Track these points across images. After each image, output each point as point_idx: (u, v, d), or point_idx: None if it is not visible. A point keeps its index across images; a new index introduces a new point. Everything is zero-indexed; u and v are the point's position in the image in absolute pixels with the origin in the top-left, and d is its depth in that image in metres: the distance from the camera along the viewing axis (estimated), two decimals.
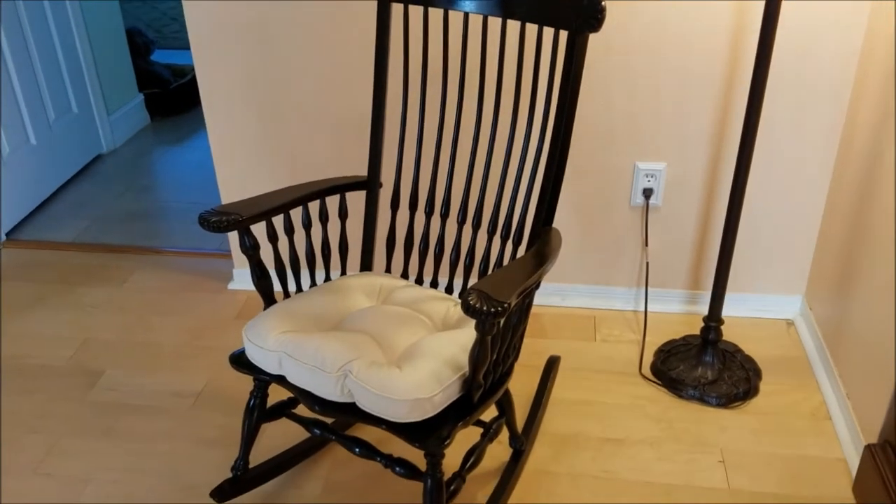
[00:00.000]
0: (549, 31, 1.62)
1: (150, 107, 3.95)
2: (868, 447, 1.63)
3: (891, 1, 1.74)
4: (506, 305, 1.20)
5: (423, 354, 1.40)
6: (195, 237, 2.84)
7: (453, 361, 1.39)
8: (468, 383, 1.39)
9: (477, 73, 1.85)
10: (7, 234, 2.83)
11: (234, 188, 2.33)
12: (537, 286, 1.43)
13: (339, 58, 2.09)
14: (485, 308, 1.19)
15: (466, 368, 1.39)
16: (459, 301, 1.66)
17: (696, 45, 1.95)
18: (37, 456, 1.87)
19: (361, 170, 2.23)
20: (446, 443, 1.36)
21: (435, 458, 1.40)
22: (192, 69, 4.17)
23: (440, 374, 1.36)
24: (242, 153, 2.27)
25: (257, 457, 1.75)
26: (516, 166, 1.57)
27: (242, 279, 2.49)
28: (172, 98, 4.02)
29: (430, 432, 1.35)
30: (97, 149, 3.48)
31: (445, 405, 1.38)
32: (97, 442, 1.91)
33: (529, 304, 1.48)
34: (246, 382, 2.07)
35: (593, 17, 1.36)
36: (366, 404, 1.36)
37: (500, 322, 1.31)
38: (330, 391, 1.38)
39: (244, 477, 1.68)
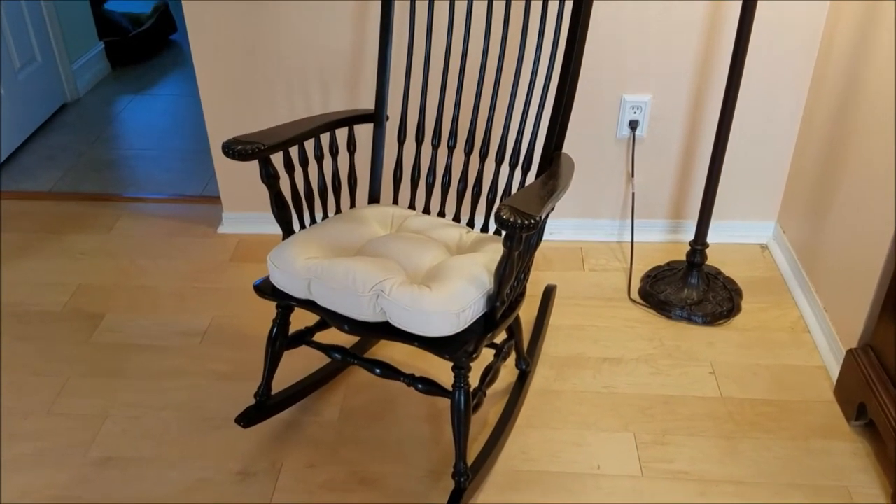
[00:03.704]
0: None
1: (110, 56, 3.85)
2: (850, 351, 1.77)
3: None
4: (537, 218, 1.27)
5: (448, 274, 1.47)
6: (176, 183, 2.82)
7: (477, 280, 1.46)
8: (492, 300, 1.46)
9: (484, 3, 1.89)
10: None
11: (223, 132, 2.33)
12: (552, 209, 1.50)
13: None
14: (518, 221, 1.26)
15: (489, 286, 1.46)
16: (470, 228, 1.73)
17: None
18: (48, 397, 1.88)
19: (350, 106, 2.27)
20: (474, 356, 1.43)
21: (463, 371, 1.48)
22: (149, 17, 4.10)
23: (467, 291, 1.43)
24: (230, 94, 2.26)
25: (274, 386, 1.79)
26: (524, 93, 1.62)
27: (233, 223, 2.50)
28: (132, 46, 3.92)
29: (458, 346, 1.43)
30: (61, 98, 3.39)
31: (471, 321, 1.45)
32: (108, 380, 1.92)
33: (542, 229, 1.55)
34: (252, 318, 2.12)
35: None
36: (399, 321, 1.42)
37: (530, 235, 1.38)
38: (362, 311, 1.44)
39: (267, 403, 1.73)
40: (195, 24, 2.15)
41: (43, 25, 3.21)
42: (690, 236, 2.15)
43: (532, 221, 1.26)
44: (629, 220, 2.40)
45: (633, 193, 2.35)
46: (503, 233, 1.32)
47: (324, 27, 2.14)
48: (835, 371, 1.88)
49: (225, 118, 2.30)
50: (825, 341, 1.97)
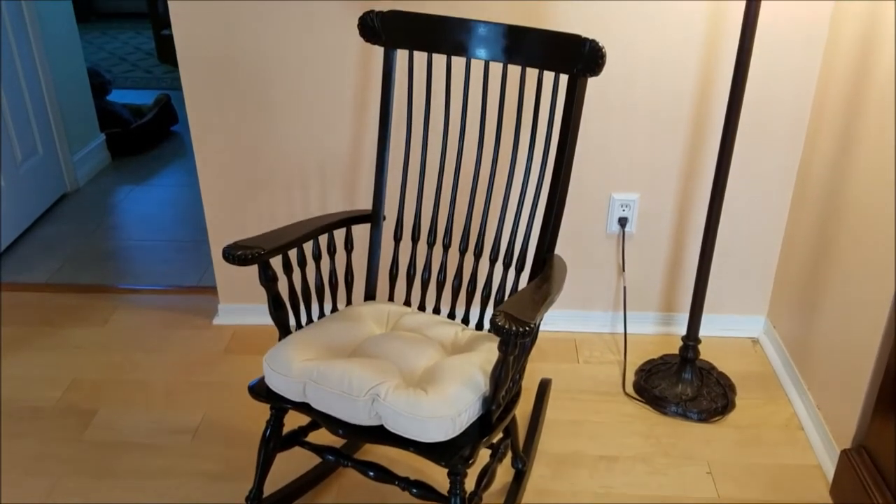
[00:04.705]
0: (548, 74, 1.72)
1: (111, 146, 3.93)
2: (844, 452, 1.77)
3: (842, 55, 1.94)
4: (532, 325, 1.29)
5: (443, 377, 1.48)
6: (173, 274, 2.84)
7: (472, 382, 1.47)
8: (488, 402, 1.46)
9: (478, 112, 1.96)
10: None
11: (222, 226, 2.37)
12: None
13: (327, 96, 2.17)
14: (513, 328, 1.28)
15: (485, 388, 1.47)
16: (465, 326, 1.75)
17: (664, 86, 2.10)
18: (38, 498, 1.85)
19: (346, 207, 2.32)
20: (470, 461, 1.43)
21: (459, 477, 1.47)
22: (151, 109, 4.21)
23: (463, 394, 1.44)
24: (230, 187, 2.31)
25: (264, 488, 1.77)
26: (517, 199, 1.67)
27: (228, 314, 2.51)
28: (133, 138, 4.01)
29: (454, 452, 1.42)
30: (61, 189, 3.44)
31: (467, 425, 1.45)
32: (99, 481, 1.90)
33: (537, 332, 1.57)
34: (244, 414, 2.11)
35: (594, 62, 1.48)
36: (394, 426, 1.42)
37: (525, 341, 1.39)
38: (358, 415, 1.44)
39: None
40: (197, 122, 2.22)
41: (45, 118, 3.28)
42: (682, 328, 2.17)
43: (527, 328, 1.28)
44: (622, 312, 2.43)
45: (625, 287, 2.38)
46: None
47: (323, 128, 2.21)
48: (830, 470, 1.87)
49: (224, 210, 2.35)
50: (819, 440, 1.97)
